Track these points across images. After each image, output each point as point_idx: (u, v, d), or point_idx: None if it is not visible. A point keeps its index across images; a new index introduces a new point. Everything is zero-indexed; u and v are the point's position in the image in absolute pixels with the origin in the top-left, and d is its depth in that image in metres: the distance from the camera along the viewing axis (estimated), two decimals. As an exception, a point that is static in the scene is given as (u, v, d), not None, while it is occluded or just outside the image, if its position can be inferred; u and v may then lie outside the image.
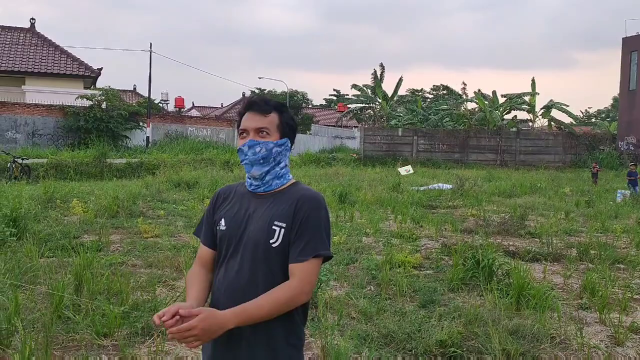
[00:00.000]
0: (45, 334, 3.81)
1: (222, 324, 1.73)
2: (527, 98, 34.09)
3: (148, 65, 42.36)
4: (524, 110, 34.81)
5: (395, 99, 38.59)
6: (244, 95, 52.54)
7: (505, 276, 5.60)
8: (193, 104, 59.57)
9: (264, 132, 1.95)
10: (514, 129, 33.48)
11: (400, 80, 36.87)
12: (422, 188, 15.25)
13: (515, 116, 36.15)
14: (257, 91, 52.11)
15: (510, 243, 7.82)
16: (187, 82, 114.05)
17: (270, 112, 1.98)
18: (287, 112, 2.03)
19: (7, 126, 23.18)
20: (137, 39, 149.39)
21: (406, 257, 6.51)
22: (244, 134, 1.97)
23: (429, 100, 55.23)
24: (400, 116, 38.08)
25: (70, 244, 6.75)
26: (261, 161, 1.95)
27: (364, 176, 19.44)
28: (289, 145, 2.03)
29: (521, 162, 30.37)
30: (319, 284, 4.96)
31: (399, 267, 6.17)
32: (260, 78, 78.82)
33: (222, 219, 2.00)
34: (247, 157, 1.94)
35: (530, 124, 35.90)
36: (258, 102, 2.00)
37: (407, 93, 57.67)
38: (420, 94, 58.00)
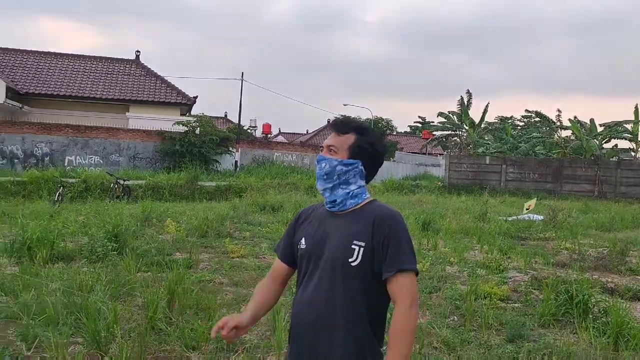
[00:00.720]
0: (140, 343, 4.06)
1: None
2: (629, 126, 31.87)
3: (239, 92, 44.40)
4: (626, 139, 32.50)
5: (482, 126, 37.59)
6: (329, 121, 53.41)
7: (603, 314, 5.22)
8: (279, 130, 61.44)
9: (332, 150, 2.03)
10: (614, 159, 31.33)
11: (487, 106, 36.00)
12: (510, 218, 14.62)
13: (616, 145, 33.81)
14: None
15: (609, 279, 7.28)
16: (274, 109, 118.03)
17: (348, 133, 2.04)
18: (366, 136, 2.06)
19: (112, 150, 25.14)
20: (228, 68, 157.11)
21: (492, 288, 6.26)
22: (322, 150, 2.08)
23: (519, 127, 53.22)
24: (488, 144, 36.94)
25: (164, 260, 7.17)
26: (324, 177, 2.02)
27: (449, 204, 18.96)
28: (360, 167, 2.03)
29: (622, 194, 28.24)
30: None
31: (485, 298, 5.94)
32: (345, 105, 79.73)
33: (303, 238, 2.06)
34: (317, 171, 2.06)
35: (633, 153, 33.45)
36: (338, 122, 2.10)
37: (496, 120, 55.98)
38: (509, 121, 56.03)
